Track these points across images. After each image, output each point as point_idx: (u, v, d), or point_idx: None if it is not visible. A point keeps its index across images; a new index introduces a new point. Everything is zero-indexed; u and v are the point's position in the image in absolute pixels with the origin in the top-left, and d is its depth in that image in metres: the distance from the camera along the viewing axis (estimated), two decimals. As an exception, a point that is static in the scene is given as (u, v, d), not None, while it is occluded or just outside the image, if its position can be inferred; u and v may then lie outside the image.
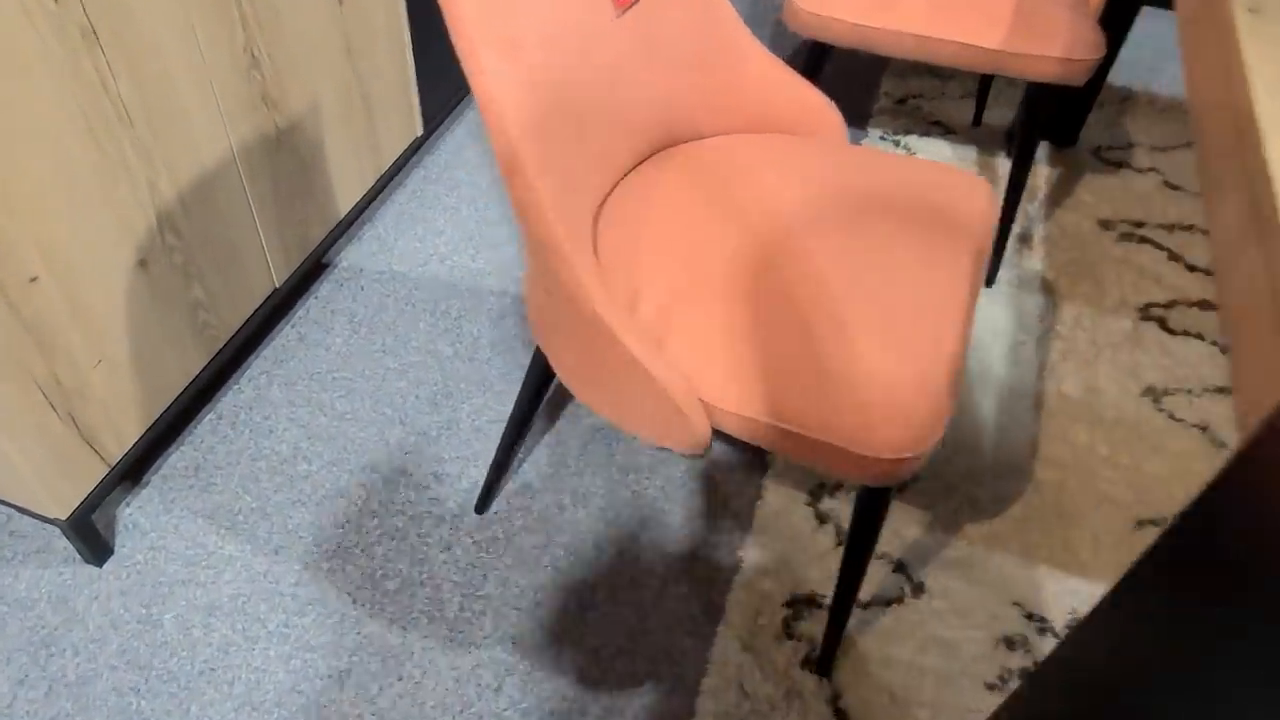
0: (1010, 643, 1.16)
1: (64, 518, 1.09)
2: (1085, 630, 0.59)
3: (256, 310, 1.33)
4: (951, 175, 1.07)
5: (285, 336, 1.46)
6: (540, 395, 1.09)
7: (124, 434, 1.13)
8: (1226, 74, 0.89)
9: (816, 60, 1.47)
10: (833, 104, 1.14)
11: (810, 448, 0.83)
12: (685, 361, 0.86)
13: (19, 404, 0.97)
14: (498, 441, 1.34)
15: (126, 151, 1.01)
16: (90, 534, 1.14)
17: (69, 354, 1.01)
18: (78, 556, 1.18)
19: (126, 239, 1.04)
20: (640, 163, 1.07)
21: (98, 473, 1.11)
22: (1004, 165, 1.88)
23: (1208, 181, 0.71)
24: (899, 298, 0.90)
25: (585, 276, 0.81)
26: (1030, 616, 1.19)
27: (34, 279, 0.94)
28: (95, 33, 0.92)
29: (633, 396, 0.86)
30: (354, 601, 1.17)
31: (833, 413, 0.82)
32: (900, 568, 1.23)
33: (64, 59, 0.89)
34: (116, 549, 1.20)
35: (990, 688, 1.12)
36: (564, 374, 0.94)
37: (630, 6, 0.94)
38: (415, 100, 1.60)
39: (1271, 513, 0.41)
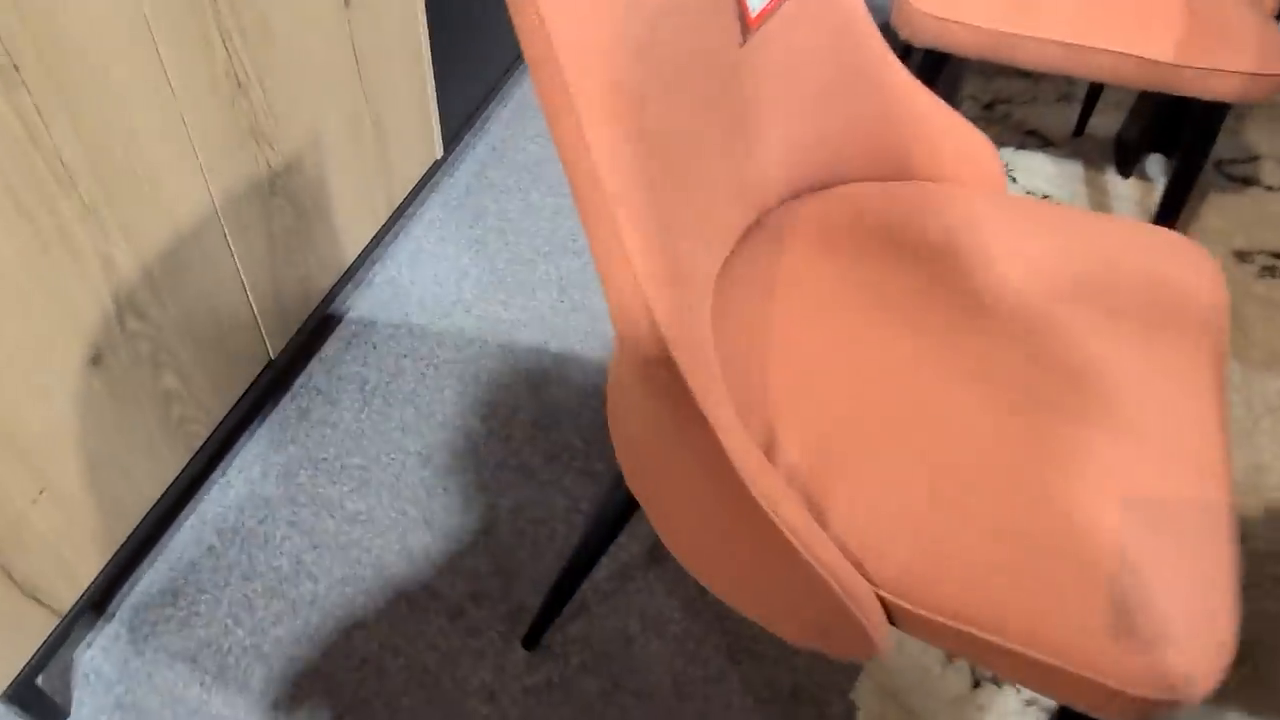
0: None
1: (1, 691, 0.84)
2: None
3: (246, 391, 1.07)
4: (1160, 238, 0.81)
5: (284, 411, 1.20)
6: (618, 531, 0.84)
7: (78, 574, 0.88)
8: None
9: (931, 73, 1.20)
10: (989, 143, 0.88)
11: (1041, 673, 0.58)
12: (854, 541, 0.61)
13: (-75, 570, 0.71)
14: (550, 558, 1.09)
15: (68, 220, 0.75)
16: (35, 700, 0.89)
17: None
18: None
19: (72, 333, 0.79)
20: (768, 214, 0.82)
21: (44, 628, 0.86)
22: (1116, 183, 1.62)
23: None
24: (1142, 449, 0.65)
25: (724, 418, 0.56)
26: (1225, 785, 0.94)
27: (-62, 406, 0.68)
28: (16, 68, 0.66)
29: (780, 591, 0.61)
30: (376, 774, 0.93)
31: (1067, 624, 0.57)
32: (1061, 723, 0.98)
33: (-32, 106, 0.64)
34: (75, 709, 0.95)
35: None
36: (669, 540, 0.69)
37: (757, 26, 0.68)
38: (434, 117, 1.33)
39: None
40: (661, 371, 0.55)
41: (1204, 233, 1.54)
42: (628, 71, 0.53)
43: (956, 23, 1.11)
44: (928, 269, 0.77)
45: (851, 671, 1.01)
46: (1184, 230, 1.54)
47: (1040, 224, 0.82)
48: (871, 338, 0.71)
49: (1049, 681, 0.58)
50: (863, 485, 0.63)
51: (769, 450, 0.65)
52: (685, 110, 0.62)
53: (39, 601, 0.84)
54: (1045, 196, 1.60)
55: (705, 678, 1.00)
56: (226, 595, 1.04)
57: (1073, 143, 1.70)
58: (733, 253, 0.79)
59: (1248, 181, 1.65)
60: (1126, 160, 1.63)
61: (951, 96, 1.79)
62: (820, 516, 0.62)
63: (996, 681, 1.00)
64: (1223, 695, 1.00)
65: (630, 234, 0.54)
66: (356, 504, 1.12)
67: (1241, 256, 1.51)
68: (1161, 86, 1.10)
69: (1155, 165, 1.67)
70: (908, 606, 0.60)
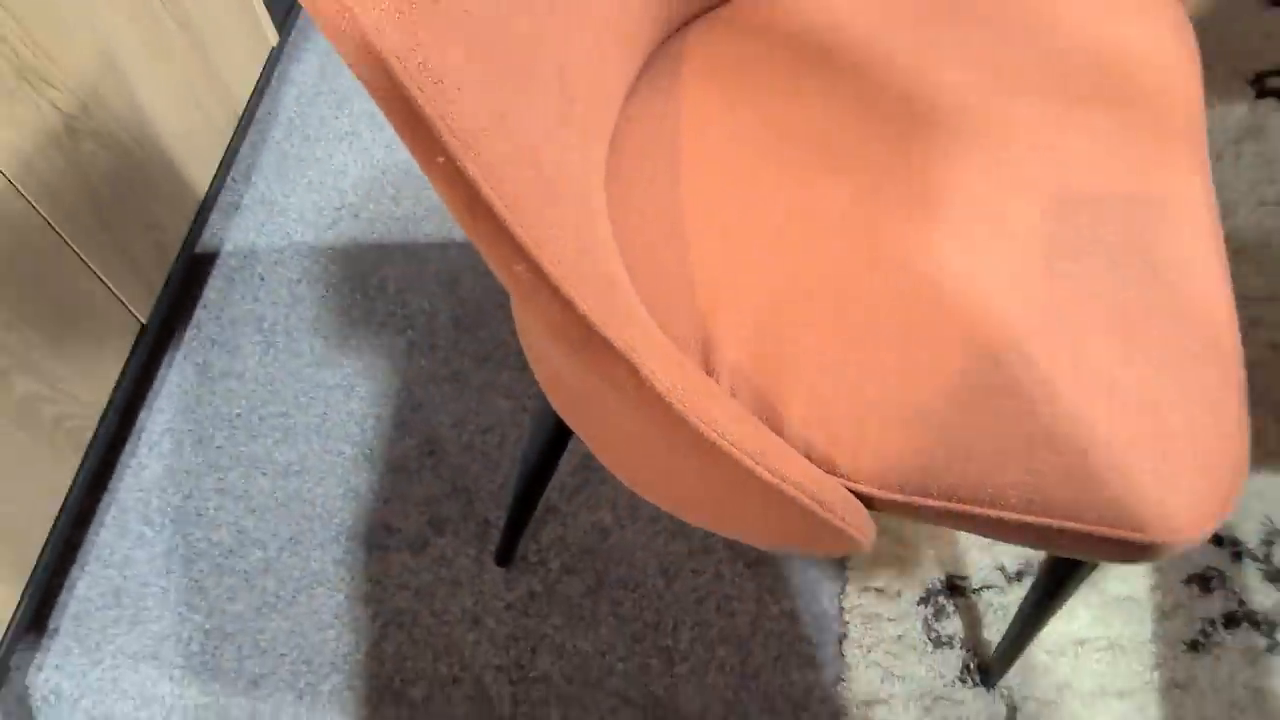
0: (1205, 582, 0.92)
1: (-53, 753, 0.77)
2: None
3: (124, 368, 0.95)
4: (1127, 6, 0.70)
5: (180, 375, 1.09)
6: (561, 448, 0.76)
7: (-7, 612, 0.80)
8: None
9: None
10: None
11: (1047, 535, 0.52)
12: (820, 437, 0.53)
13: None
14: (503, 461, 1.02)
15: None
16: (-4, 745, 0.84)
17: None
18: (-6, 763, 0.88)
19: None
20: (657, 51, 0.69)
21: (-27, 678, 0.79)
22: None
23: None
24: (1116, 263, 0.57)
25: (650, 359, 0.46)
26: (1219, 541, 0.94)
27: None
28: None
29: (743, 509, 0.54)
30: (376, 727, 0.89)
31: (1068, 478, 0.51)
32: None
33: None
34: (43, 736, 0.90)
35: (1194, 647, 0.89)
36: (605, 457, 0.61)
37: None
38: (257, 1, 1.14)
39: None
40: (556, 311, 0.45)
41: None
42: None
43: None
44: (846, 87, 0.66)
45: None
46: None
47: (984, 11, 0.70)
48: (797, 189, 0.61)
49: (1056, 541, 0.53)
50: (819, 369, 0.55)
51: (705, 354, 0.56)
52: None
53: (-45, 657, 0.77)
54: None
55: (690, 552, 0.96)
56: (172, 583, 0.96)
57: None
58: (637, 87, 0.67)
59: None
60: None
61: None
62: (777, 418, 0.54)
63: (983, 489, 0.97)
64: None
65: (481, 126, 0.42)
66: (286, 455, 1.03)
67: (1254, 81, 1.38)
68: None
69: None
70: (891, 497, 0.53)
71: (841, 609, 0.92)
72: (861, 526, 0.53)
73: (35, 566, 0.85)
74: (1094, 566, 0.64)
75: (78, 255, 0.87)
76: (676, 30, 0.72)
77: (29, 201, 0.80)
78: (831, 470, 0.53)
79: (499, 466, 1.01)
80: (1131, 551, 0.51)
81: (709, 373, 0.56)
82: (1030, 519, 0.50)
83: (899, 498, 0.53)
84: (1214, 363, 0.54)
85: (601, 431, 0.57)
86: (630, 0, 0.65)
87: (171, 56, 0.98)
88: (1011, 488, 0.51)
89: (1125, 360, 0.53)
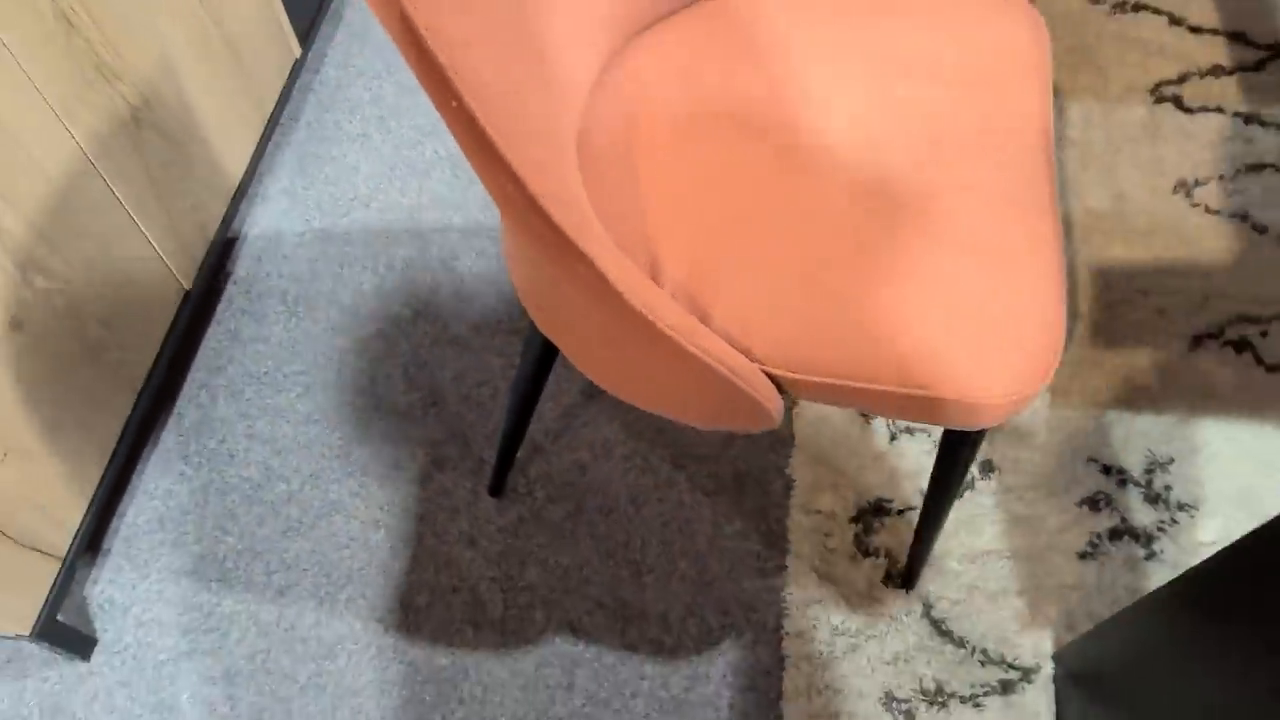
0: (1094, 503, 1.08)
1: (28, 633, 0.92)
2: None
3: (172, 325, 1.11)
4: (988, 6, 0.87)
5: (214, 339, 1.24)
6: (545, 372, 0.92)
7: (66, 520, 0.95)
8: None
9: None
10: (812, -63, 0.91)
11: (909, 404, 0.68)
12: (737, 330, 0.70)
13: (-77, 543, 0.78)
14: (495, 410, 1.18)
15: (-54, 197, 0.77)
16: (64, 634, 0.98)
17: (-36, 462, 0.81)
18: (58, 656, 1.03)
19: (-13, 303, 0.82)
20: (615, 55, 0.86)
21: (49, 572, 0.94)
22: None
23: None
24: (972, 194, 0.74)
25: (602, 253, 0.63)
26: (1108, 470, 1.10)
27: (-116, 395, 0.73)
28: None
29: (681, 386, 0.70)
30: (384, 628, 1.04)
31: (926, 358, 0.67)
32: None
33: None
34: (100, 635, 1.04)
35: (1083, 557, 1.05)
36: (577, 359, 0.77)
37: None
38: (282, 15, 1.31)
39: None
40: (536, 221, 0.61)
41: (1053, -21, 1.59)
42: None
43: None
44: (787, 64, 0.83)
45: (784, 449, 1.13)
46: (1033, -19, 1.59)
47: (876, 8, 0.87)
48: (728, 150, 0.78)
49: (928, 411, 0.69)
50: (740, 284, 0.71)
51: (654, 274, 0.72)
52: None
53: (39, 551, 0.91)
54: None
55: (656, 484, 1.12)
56: (208, 512, 1.12)
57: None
58: (600, 81, 0.84)
59: (1090, -82, 1.69)
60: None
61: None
62: (706, 316, 0.70)
63: (910, 431, 1.14)
64: (1070, 360, 1.15)
65: (484, 101, 0.59)
66: (307, 406, 1.19)
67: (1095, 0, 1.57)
68: None
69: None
70: (793, 375, 0.69)
71: (785, 528, 1.08)
72: (771, 399, 0.69)
73: (94, 493, 1.01)
74: (973, 451, 0.80)
75: (138, 227, 1.03)
76: (635, 35, 0.89)
77: (104, 179, 0.96)
78: (747, 355, 0.69)
79: (492, 415, 1.17)
80: (966, 413, 0.67)
81: (655, 274, 0.72)
82: (879, 387, 0.66)
83: (795, 376, 0.69)
84: (1039, 268, 0.70)
85: (570, 334, 0.74)
86: (595, 11, 0.82)
87: (214, 63, 1.15)
88: (866, 362, 0.67)
89: (962, 263, 0.70)
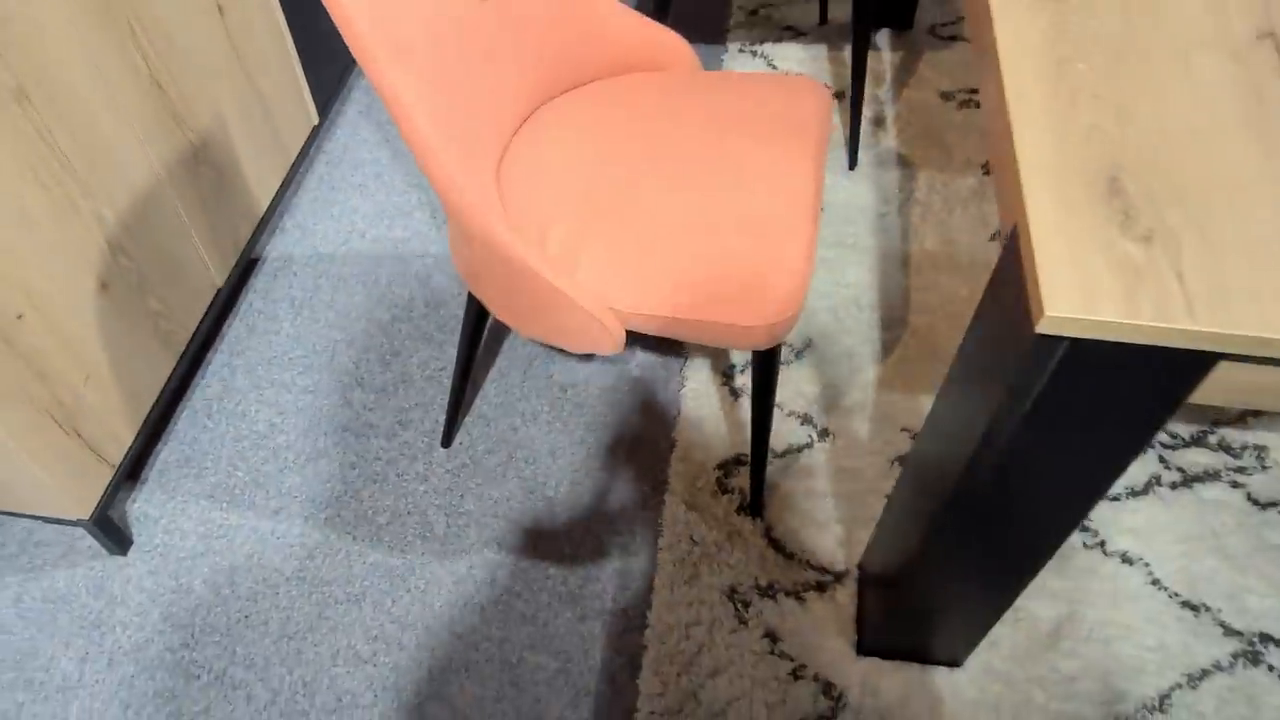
0: (902, 460, 1.41)
1: (87, 517, 1.24)
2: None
3: (207, 311, 1.47)
4: (789, 82, 1.26)
5: (236, 330, 1.60)
6: (479, 333, 1.27)
7: (120, 437, 1.29)
8: None
9: (663, -4, 1.63)
10: (680, 39, 1.31)
11: (704, 328, 1.03)
12: (594, 280, 1.05)
13: (33, 426, 1.11)
14: (449, 384, 1.52)
15: (73, 192, 1.14)
16: (112, 528, 1.30)
17: (63, 377, 1.15)
18: (103, 551, 1.34)
19: (88, 268, 1.18)
20: (527, 119, 1.24)
21: (106, 474, 1.27)
22: (846, 53, 2.07)
23: (980, 55, 0.93)
24: (758, 197, 1.10)
25: (500, 228, 0.99)
26: (915, 436, 1.43)
27: (20, 316, 1.08)
28: (26, 94, 1.04)
29: (557, 317, 1.05)
30: (354, 539, 1.36)
31: (715, 297, 1.02)
32: (807, 420, 1.46)
33: (7, 124, 1.02)
34: (135, 538, 1.36)
35: (888, 497, 1.37)
36: (496, 309, 1.13)
37: (488, -10, 1.09)
38: (306, 92, 1.72)
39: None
40: (464, 209, 0.97)
41: (918, 83, 2.01)
42: (402, 30, 0.95)
43: (668, -43, 1.53)
44: (648, 118, 1.21)
45: (671, 420, 1.46)
46: (902, 82, 2.01)
47: (716, 85, 1.26)
48: (597, 169, 1.15)
49: (710, 333, 1.03)
50: (597, 251, 1.07)
51: (543, 241, 1.08)
52: (452, 45, 1.04)
53: (99, 455, 1.25)
54: (800, 73, 2.05)
55: (570, 443, 1.45)
56: (224, 453, 1.45)
57: (819, 30, 2.15)
58: (517, 134, 1.21)
59: (953, 39, 2.12)
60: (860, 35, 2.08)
61: (725, 8, 2.22)
62: (575, 270, 1.06)
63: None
64: (887, 358, 1.49)
65: (425, 129, 0.96)
66: (305, 381, 1.53)
67: (946, 96, 1.98)
68: (819, -21, 1.54)
69: (884, 38, 2.13)
70: (629, 312, 1.04)
71: (666, 475, 1.40)
72: (615, 328, 1.04)
73: (142, 424, 1.34)
74: (770, 372, 1.14)
75: (191, 233, 1.40)
76: (545, 102, 1.28)
77: (168, 187, 1.34)
78: (602, 299, 1.04)
79: (448, 391, 1.51)
80: (741, 335, 1.01)
81: (543, 245, 1.08)
82: (689, 318, 1.01)
83: (633, 311, 1.03)
84: (796, 243, 1.06)
85: (489, 288, 1.09)
86: (524, 76, 1.21)
87: (254, 123, 1.54)
88: (682, 303, 1.02)
89: (746, 239, 1.05)
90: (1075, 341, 0.67)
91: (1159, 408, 0.73)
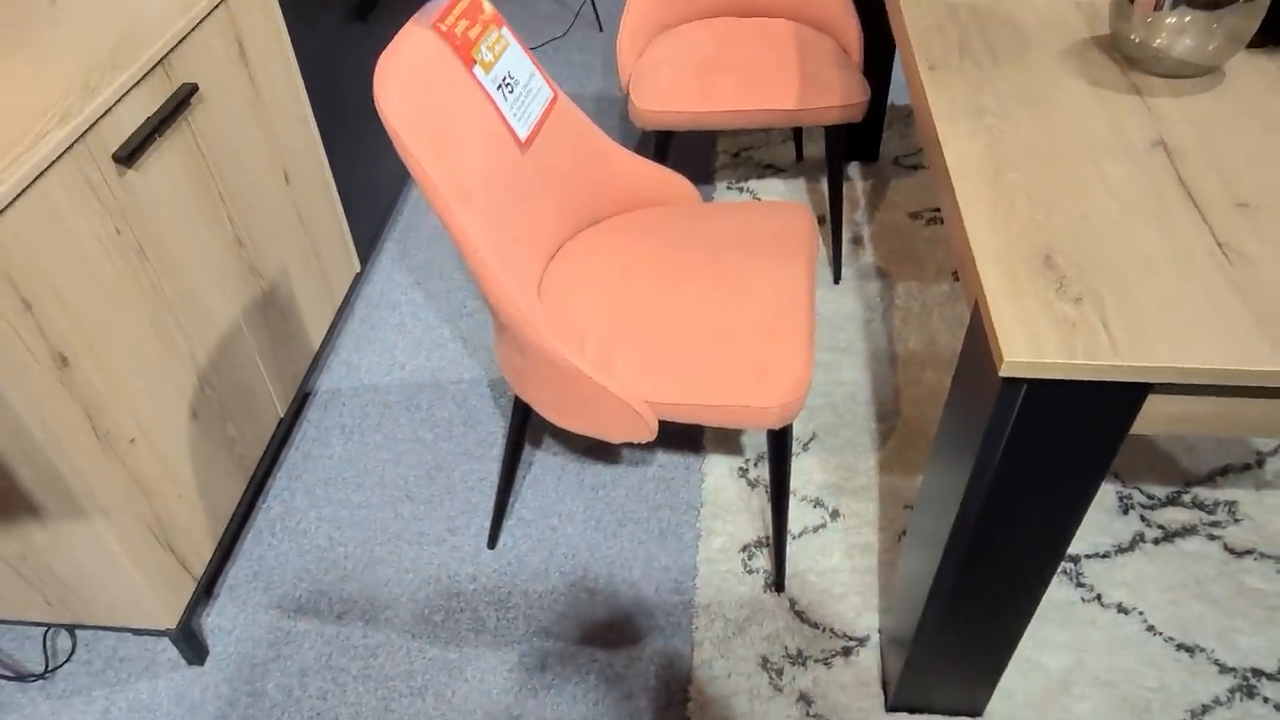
0: (906, 533, 1.54)
1: (174, 626, 1.36)
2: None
3: (271, 438, 1.63)
4: (778, 207, 1.48)
5: (293, 457, 1.76)
6: (523, 436, 1.43)
7: (201, 552, 1.42)
8: (923, 104, 1.37)
9: (664, 143, 1.88)
10: (684, 178, 1.54)
11: (725, 412, 1.20)
12: (629, 377, 1.23)
13: (138, 539, 1.25)
14: (491, 495, 1.67)
15: (174, 334, 1.32)
16: (192, 637, 1.41)
17: (161, 495, 1.30)
18: (182, 661, 1.45)
19: (184, 398, 1.35)
20: (560, 248, 1.45)
21: (190, 586, 1.39)
22: (823, 184, 2.33)
23: (936, 175, 1.15)
24: (761, 302, 1.30)
25: (547, 337, 1.17)
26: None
27: (132, 440, 1.24)
28: (144, 251, 1.25)
29: (598, 410, 1.22)
30: (413, 636, 1.47)
31: (734, 385, 1.20)
32: (818, 503, 1.60)
33: (129, 275, 1.21)
34: (211, 648, 1.47)
35: (899, 537, 1.50)
36: (543, 408, 1.29)
37: (530, 145, 1.32)
38: (350, 243, 1.94)
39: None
40: (520, 321, 1.16)
41: (889, 206, 2.26)
42: (466, 180, 1.16)
43: (666, 111, 1.79)
44: (661, 243, 1.41)
45: (694, 511, 1.61)
46: (875, 206, 2.26)
47: (715, 212, 1.48)
48: (623, 284, 1.34)
49: (729, 415, 1.20)
50: (629, 352, 1.25)
51: (582, 346, 1.26)
52: (502, 191, 1.25)
53: (185, 567, 1.38)
54: (782, 206, 2.30)
55: (605, 538, 1.59)
56: (289, 567, 1.57)
57: (796, 166, 2.43)
58: (553, 260, 1.42)
59: (915, 167, 2.40)
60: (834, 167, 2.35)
61: (711, 152, 2.50)
62: (611, 369, 1.24)
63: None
64: (885, 445, 1.65)
65: (488, 259, 1.16)
66: (358, 498, 1.68)
67: (914, 215, 2.23)
68: (796, 123, 1.80)
69: (855, 169, 2.40)
70: (660, 402, 1.21)
71: (695, 561, 1.53)
72: (651, 419, 1.21)
73: (220, 538, 1.48)
74: (784, 451, 1.30)
75: (260, 369, 1.58)
76: (575, 234, 1.49)
77: (244, 329, 1.53)
78: (639, 392, 1.22)
79: (490, 499, 1.66)
80: (758, 416, 1.18)
81: (583, 350, 1.26)
82: (711, 404, 1.18)
83: (661, 403, 1.21)
84: (796, 341, 1.24)
85: (533, 388, 1.26)
86: (557, 214, 1.42)
87: (310, 271, 1.75)
88: (704, 393, 1.19)
89: (756, 340, 1.24)
90: (1032, 383, 0.85)
91: (1110, 436, 0.89)
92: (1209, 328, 0.81)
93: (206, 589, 1.55)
